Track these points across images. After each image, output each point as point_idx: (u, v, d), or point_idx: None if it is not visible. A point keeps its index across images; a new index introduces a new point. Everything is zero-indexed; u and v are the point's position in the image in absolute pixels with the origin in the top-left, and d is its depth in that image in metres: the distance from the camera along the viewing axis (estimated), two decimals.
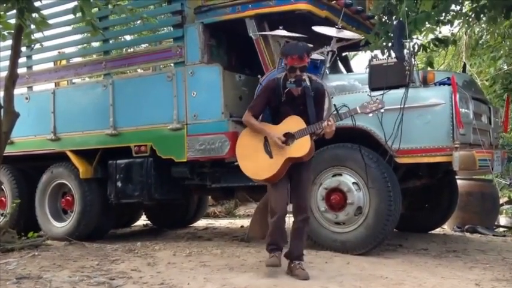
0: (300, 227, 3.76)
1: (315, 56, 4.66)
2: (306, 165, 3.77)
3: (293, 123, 3.67)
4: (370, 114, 3.77)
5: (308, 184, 3.84)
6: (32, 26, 4.54)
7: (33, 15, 4.12)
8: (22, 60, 5.99)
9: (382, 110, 3.78)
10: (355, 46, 5.70)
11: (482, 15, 4.81)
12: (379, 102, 3.69)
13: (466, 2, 5.40)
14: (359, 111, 3.68)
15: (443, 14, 4.89)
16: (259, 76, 4.94)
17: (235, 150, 3.89)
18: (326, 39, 4.89)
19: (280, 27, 4.73)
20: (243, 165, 3.81)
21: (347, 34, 4.94)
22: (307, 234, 3.98)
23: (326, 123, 3.59)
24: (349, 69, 6.22)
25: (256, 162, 3.73)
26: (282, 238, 3.79)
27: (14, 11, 4.27)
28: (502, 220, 7.83)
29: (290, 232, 3.82)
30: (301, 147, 3.63)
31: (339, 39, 4.89)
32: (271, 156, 3.67)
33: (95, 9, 5.32)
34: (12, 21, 4.65)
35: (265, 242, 3.85)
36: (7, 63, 4.95)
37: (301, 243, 3.80)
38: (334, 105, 3.75)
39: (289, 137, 3.65)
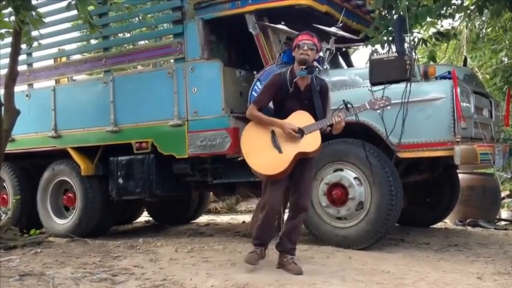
0: (298, 221, 3.74)
1: None
2: (310, 163, 3.74)
3: (300, 118, 3.61)
4: (378, 111, 3.78)
5: (310, 182, 3.82)
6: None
7: (30, 13, 4.09)
8: (22, 57, 5.99)
9: (389, 107, 3.79)
10: (355, 41, 5.69)
11: (485, 9, 4.78)
12: (387, 99, 3.72)
13: None
14: (368, 107, 3.68)
15: (444, 8, 4.88)
16: (254, 72, 4.94)
17: (241, 146, 3.75)
18: (326, 36, 4.88)
19: (282, 23, 4.73)
20: (251, 161, 3.67)
21: (345, 33, 4.93)
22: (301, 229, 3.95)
23: (336, 118, 3.56)
24: (349, 64, 6.21)
25: (264, 157, 3.61)
26: (269, 234, 3.74)
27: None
28: (504, 214, 7.83)
29: (284, 224, 3.80)
30: (312, 142, 3.58)
31: (337, 38, 4.89)
32: (280, 151, 3.58)
33: (92, 7, 5.29)
34: (11, 18, 4.64)
35: (252, 235, 3.81)
36: (7, 60, 4.94)
37: (296, 236, 3.78)
38: (343, 100, 3.72)
39: (297, 132, 3.58)
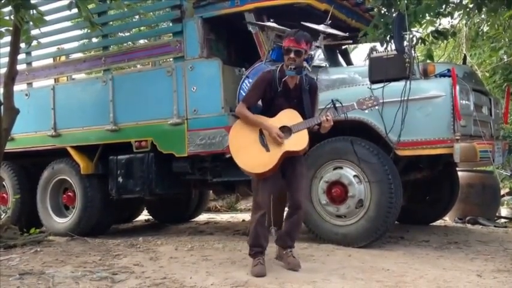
0: (297, 219, 3.74)
1: None
2: (300, 159, 3.72)
3: (288, 116, 3.61)
4: (366, 111, 3.79)
5: (303, 178, 3.79)
6: (30, 23, 4.52)
7: (31, 11, 4.07)
8: (21, 56, 5.98)
9: (377, 107, 3.80)
10: (353, 39, 5.68)
11: (483, 7, 4.79)
12: (375, 99, 3.71)
13: None
14: (356, 107, 3.67)
15: (443, 6, 4.88)
16: (243, 69, 4.91)
17: (229, 143, 3.73)
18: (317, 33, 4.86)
19: (271, 20, 4.70)
20: (238, 159, 3.66)
21: (334, 30, 4.91)
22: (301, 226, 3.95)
23: (324, 117, 3.57)
24: (349, 62, 6.21)
25: (252, 155, 3.60)
26: (265, 238, 3.68)
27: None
28: (503, 211, 7.85)
29: (284, 222, 3.80)
30: (300, 141, 3.58)
31: (327, 36, 4.86)
32: (267, 150, 3.57)
33: (92, 5, 5.29)
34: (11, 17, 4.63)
35: (248, 243, 3.72)
36: (6, 59, 4.94)
37: (296, 233, 3.79)
38: (332, 100, 3.72)
39: (285, 131, 3.58)
